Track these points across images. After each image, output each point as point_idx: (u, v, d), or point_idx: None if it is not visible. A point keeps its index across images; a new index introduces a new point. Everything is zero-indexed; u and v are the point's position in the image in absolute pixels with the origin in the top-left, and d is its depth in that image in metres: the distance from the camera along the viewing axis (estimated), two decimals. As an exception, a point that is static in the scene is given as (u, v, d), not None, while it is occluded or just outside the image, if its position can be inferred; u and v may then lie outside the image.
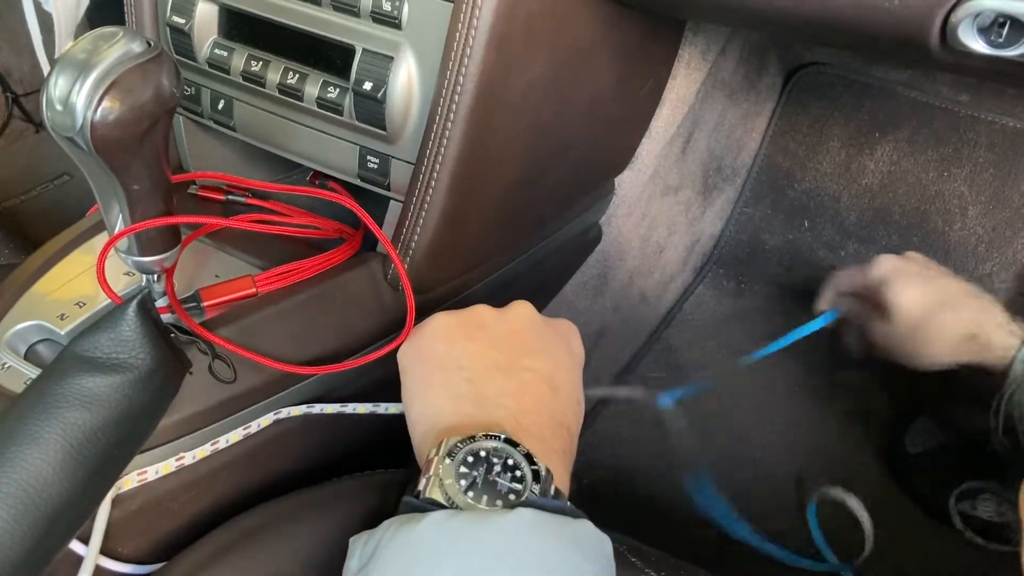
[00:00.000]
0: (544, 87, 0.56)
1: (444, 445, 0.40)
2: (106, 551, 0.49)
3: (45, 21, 0.75)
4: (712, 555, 0.78)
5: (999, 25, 0.40)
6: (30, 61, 1.06)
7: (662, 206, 0.92)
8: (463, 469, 0.39)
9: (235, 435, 0.53)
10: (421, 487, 0.39)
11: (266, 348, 0.52)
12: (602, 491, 0.90)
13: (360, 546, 0.38)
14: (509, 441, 0.40)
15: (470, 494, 0.38)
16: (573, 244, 0.82)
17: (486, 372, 0.46)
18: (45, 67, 0.77)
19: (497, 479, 0.39)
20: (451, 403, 0.45)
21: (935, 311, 0.67)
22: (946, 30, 0.41)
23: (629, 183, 0.84)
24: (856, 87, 0.92)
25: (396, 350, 0.50)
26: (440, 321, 0.49)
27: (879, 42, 0.46)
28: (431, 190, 0.54)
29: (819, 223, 0.96)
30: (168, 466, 0.50)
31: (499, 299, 0.64)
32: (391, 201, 0.59)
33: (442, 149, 0.53)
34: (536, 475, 0.39)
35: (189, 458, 0.51)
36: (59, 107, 0.38)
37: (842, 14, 0.44)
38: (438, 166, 0.53)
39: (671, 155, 0.87)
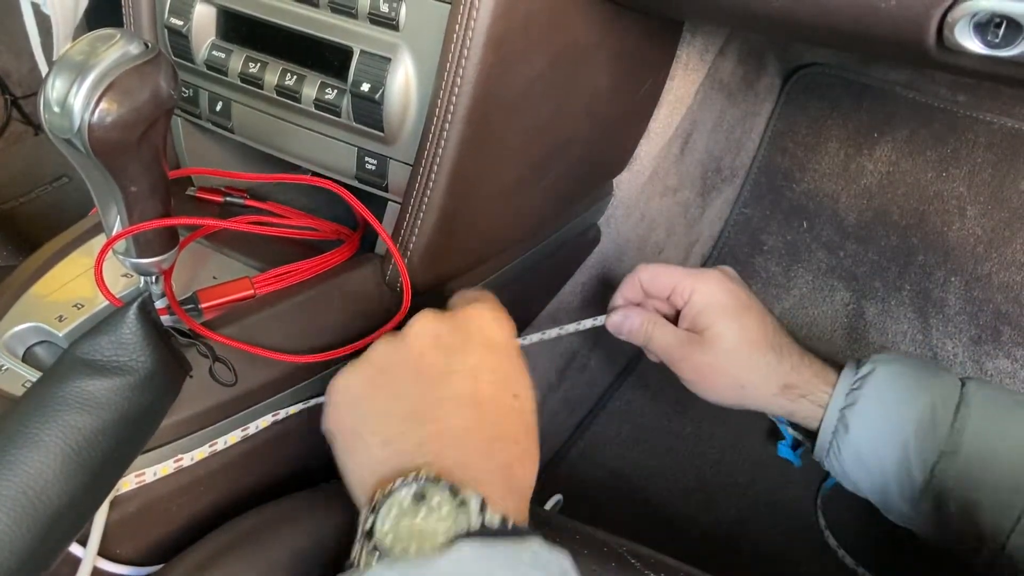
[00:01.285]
0: (542, 88, 0.56)
1: (366, 510, 0.39)
2: (104, 553, 0.49)
3: (43, 23, 0.75)
4: (712, 558, 0.78)
5: (995, 25, 0.40)
6: (29, 63, 1.06)
7: (661, 207, 0.92)
8: (387, 525, 0.37)
9: (233, 437, 0.53)
10: (353, 555, 0.38)
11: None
12: (602, 493, 0.90)
13: None
14: (429, 479, 0.38)
15: (401, 546, 0.36)
16: (572, 245, 0.82)
17: (399, 428, 0.43)
18: (44, 69, 0.77)
19: (425, 523, 0.37)
20: (374, 474, 0.42)
21: (756, 353, 0.60)
22: (942, 30, 0.41)
23: (628, 184, 0.84)
24: (855, 87, 0.93)
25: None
26: (341, 382, 0.46)
27: (876, 42, 0.46)
28: (429, 191, 0.54)
29: (818, 224, 0.96)
30: (166, 468, 0.50)
31: (502, 294, 0.64)
32: (389, 203, 0.59)
33: (440, 150, 0.53)
34: (463, 504, 0.37)
35: (187, 460, 0.51)
36: (56, 109, 0.38)
37: (838, 15, 0.44)
38: (436, 167, 0.53)
39: (669, 156, 0.87)
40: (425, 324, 0.47)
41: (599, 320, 0.64)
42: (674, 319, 0.64)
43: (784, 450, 0.84)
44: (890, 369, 0.59)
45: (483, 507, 0.37)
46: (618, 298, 0.65)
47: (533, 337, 0.62)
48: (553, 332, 0.63)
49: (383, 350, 0.46)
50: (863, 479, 0.59)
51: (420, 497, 0.38)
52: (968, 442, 0.55)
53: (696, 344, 0.60)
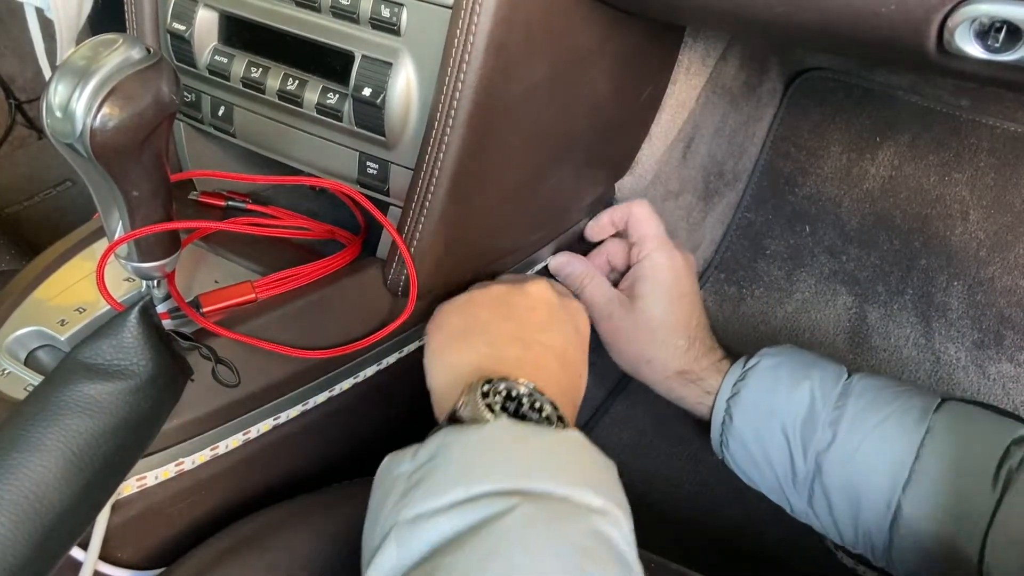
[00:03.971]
0: (543, 93, 0.56)
1: (478, 384, 0.44)
2: (105, 556, 0.49)
3: (47, 28, 0.75)
4: (715, 563, 0.78)
5: (996, 30, 0.40)
6: (33, 68, 1.07)
7: (663, 211, 0.92)
8: (497, 398, 0.44)
9: (235, 441, 0.53)
10: (457, 408, 0.43)
11: (266, 353, 0.52)
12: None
13: (409, 455, 0.41)
14: (536, 390, 0.45)
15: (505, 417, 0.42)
16: (574, 249, 0.82)
17: (505, 340, 0.52)
18: (47, 74, 0.77)
19: (527, 415, 0.44)
20: (474, 362, 0.50)
21: (671, 336, 0.63)
22: (943, 35, 0.41)
23: (630, 188, 0.84)
24: (857, 92, 0.92)
25: (394, 334, 0.55)
26: (464, 295, 0.56)
27: (876, 47, 0.46)
28: (430, 196, 0.54)
29: (820, 228, 0.96)
30: (168, 472, 0.50)
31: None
32: (390, 207, 0.59)
33: (441, 155, 0.53)
34: (561, 421, 0.44)
35: (189, 463, 0.51)
36: (59, 114, 0.39)
37: (839, 19, 0.45)
38: (437, 172, 0.53)
39: (672, 160, 0.87)
40: (543, 288, 0.57)
41: (548, 259, 0.68)
42: (615, 283, 0.67)
43: None
44: (772, 361, 0.61)
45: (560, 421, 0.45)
46: (604, 218, 0.69)
47: None
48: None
49: (504, 288, 0.56)
50: (754, 472, 0.61)
51: (528, 398, 0.45)
52: (843, 434, 0.56)
53: (623, 307, 0.64)
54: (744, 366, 0.62)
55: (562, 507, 0.37)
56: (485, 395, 0.43)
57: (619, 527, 0.39)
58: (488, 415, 0.42)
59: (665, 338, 0.63)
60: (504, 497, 0.37)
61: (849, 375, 0.60)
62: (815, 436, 0.57)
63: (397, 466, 0.41)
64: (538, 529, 0.36)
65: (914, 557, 0.54)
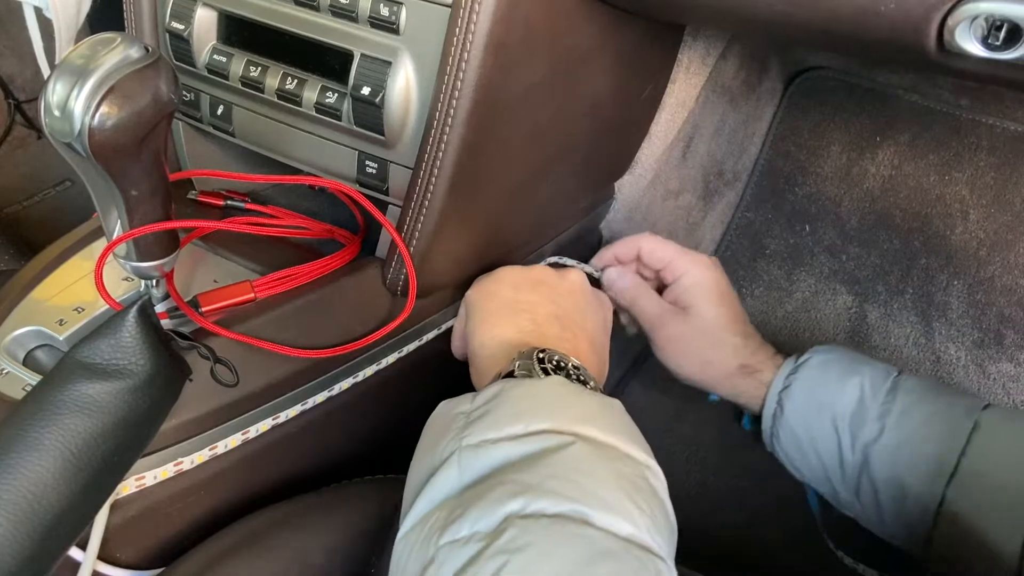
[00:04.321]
0: (542, 92, 0.56)
1: (533, 350, 0.49)
2: (104, 556, 0.49)
3: (46, 27, 0.75)
4: (717, 564, 0.78)
5: (996, 28, 0.40)
6: (33, 67, 1.06)
7: (663, 211, 0.92)
8: (549, 365, 0.48)
9: (234, 440, 0.53)
10: (514, 367, 0.47)
11: (265, 352, 0.52)
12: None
13: (468, 399, 0.45)
14: (577, 366, 0.49)
15: None
16: (573, 248, 0.82)
17: (547, 319, 0.56)
18: (46, 73, 0.77)
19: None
20: (518, 336, 0.54)
21: (727, 334, 0.65)
22: (943, 34, 0.41)
23: (629, 187, 0.84)
24: (857, 91, 0.92)
25: (393, 334, 0.57)
26: (508, 271, 0.60)
27: (876, 46, 0.46)
28: (429, 195, 0.54)
29: (820, 227, 0.96)
30: (167, 471, 0.50)
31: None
32: (389, 206, 0.59)
33: (440, 154, 0.53)
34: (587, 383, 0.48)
35: (188, 463, 0.51)
36: (57, 113, 0.39)
37: (839, 18, 0.44)
38: (436, 171, 0.53)
39: (671, 160, 0.87)
40: (581, 276, 0.62)
41: (593, 270, 0.69)
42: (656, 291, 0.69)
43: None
44: (824, 357, 0.63)
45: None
46: (607, 254, 0.70)
47: None
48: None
49: (547, 271, 0.61)
50: (803, 463, 0.63)
51: (575, 370, 0.49)
52: (891, 427, 0.58)
53: (677, 316, 0.66)
54: (796, 361, 0.64)
55: (614, 452, 0.42)
56: (540, 360, 0.48)
57: (661, 482, 0.42)
58: (543, 375, 0.47)
59: (721, 337, 0.65)
60: (561, 435, 0.41)
61: (899, 373, 0.61)
62: (864, 429, 0.59)
63: (455, 407, 0.45)
64: (596, 461, 0.40)
65: (954, 549, 0.55)
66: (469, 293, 0.60)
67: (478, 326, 0.56)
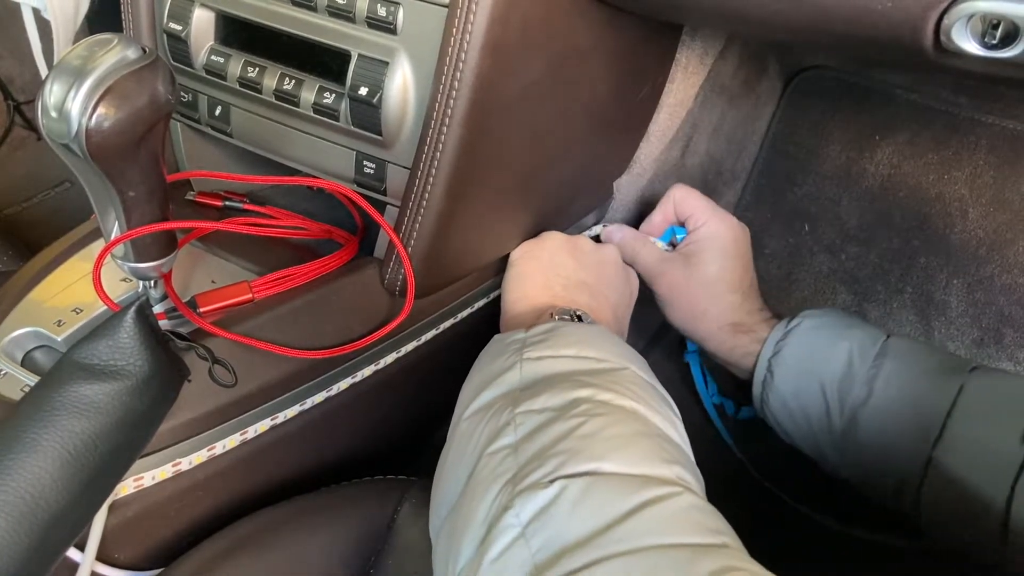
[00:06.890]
0: (540, 91, 0.56)
1: (565, 309, 0.56)
2: (102, 557, 0.49)
3: (45, 29, 0.75)
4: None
5: (993, 27, 0.40)
6: (32, 69, 1.06)
7: (662, 210, 0.91)
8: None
9: (232, 441, 0.53)
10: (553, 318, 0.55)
11: (263, 353, 0.52)
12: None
13: (522, 330, 0.50)
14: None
15: None
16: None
17: (577, 286, 0.61)
18: (45, 74, 0.77)
19: None
20: (549, 300, 0.59)
21: (726, 290, 0.67)
22: (939, 32, 0.41)
23: (628, 187, 0.84)
24: (856, 90, 0.92)
25: (391, 334, 0.58)
26: (553, 237, 0.65)
27: (873, 45, 0.46)
28: (427, 195, 0.54)
29: (819, 226, 0.96)
30: (165, 472, 0.50)
31: (498, 305, 0.64)
32: (387, 206, 0.59)
33: (438, 154, 0.53)
34: None
35: (186, 464, 0.51)
36: (54, 114, 0.38)
37: (836, 17, 0.44)
38: (434, 171, 0.53)
39: (670, 159, 0.87)
40: (612, 252, 0.67)
41: (595, 228, 0.74)
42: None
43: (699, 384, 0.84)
44: (814, 322, 0.64)
45: None
46: (657, 214, 0.72)
47: None
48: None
49: (585, 242, 0.65)
50: (792, 427, 0.64)
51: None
52: (879, 390, 0.58)
53: (678, 263, 0.68)
54: (787, 326, 0.65)
55: (655, 389, 0.48)
56: (577, 318, 0.54)
57: (682, 436, 0.46)
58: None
59: (720, 292, 0.67)
60: (613, 362, 0.47)
61: (888, 337, 0.62)
62: (852, 392, 0.60)
63: (511, 336, 0.51)
64: (644, 385, 0.47)
65: (943, 506, 0.56)
66: (513, 252, 0.65)
67: (515, 281, 0.62)
